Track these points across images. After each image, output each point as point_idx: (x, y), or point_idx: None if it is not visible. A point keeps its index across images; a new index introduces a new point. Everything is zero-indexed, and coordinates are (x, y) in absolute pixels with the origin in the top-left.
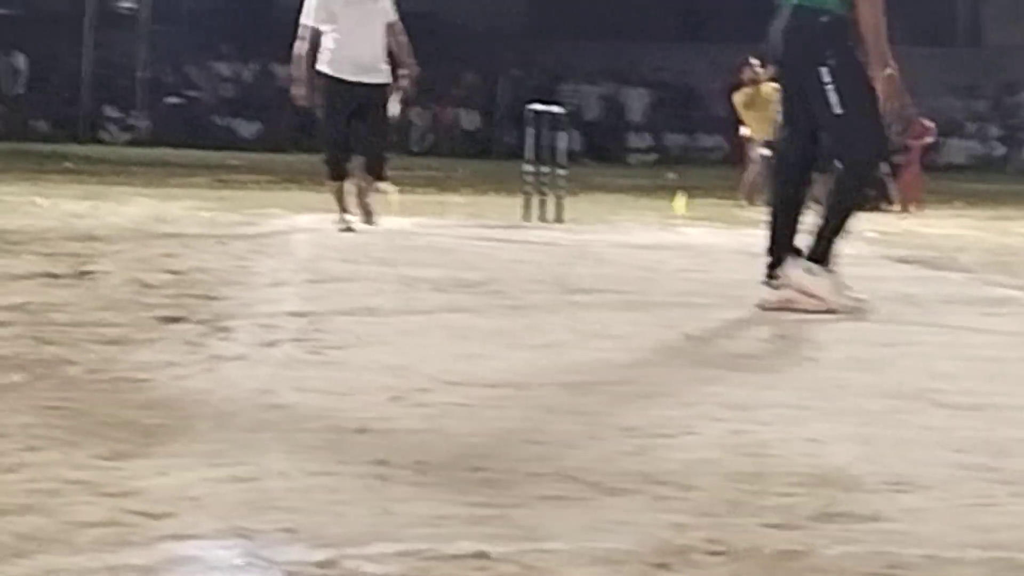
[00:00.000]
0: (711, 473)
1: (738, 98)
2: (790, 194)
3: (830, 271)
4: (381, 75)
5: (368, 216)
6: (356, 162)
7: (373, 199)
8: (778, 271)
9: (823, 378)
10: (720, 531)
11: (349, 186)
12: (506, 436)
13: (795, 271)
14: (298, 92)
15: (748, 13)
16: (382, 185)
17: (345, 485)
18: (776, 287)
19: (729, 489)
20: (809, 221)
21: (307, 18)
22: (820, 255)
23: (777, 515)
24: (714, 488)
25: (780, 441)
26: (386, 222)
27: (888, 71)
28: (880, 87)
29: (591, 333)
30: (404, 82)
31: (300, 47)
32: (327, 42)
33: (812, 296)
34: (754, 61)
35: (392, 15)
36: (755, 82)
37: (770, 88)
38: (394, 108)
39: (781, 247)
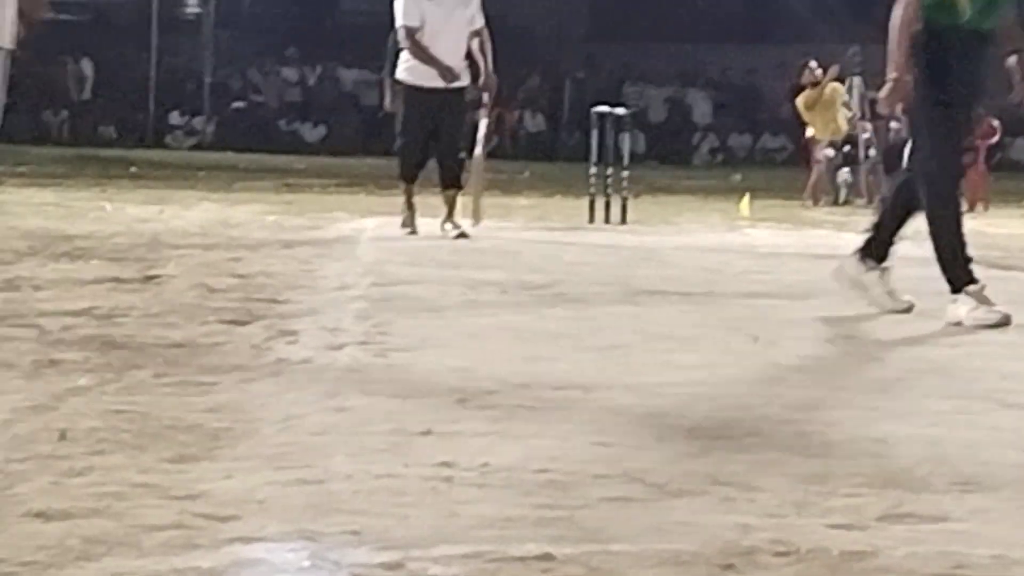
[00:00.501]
0: (777, 474)
1: (800, 100)
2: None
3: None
4: (462, 81)
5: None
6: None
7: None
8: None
9: (890, 379)
10: (786, 532)
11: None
12: (571, 438)
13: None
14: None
15: (812, 15)
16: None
17: (410, 487)
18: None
19: (795, 490)
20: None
21: (405, 19)
22: (955, 279)
23: (843, 516)
24: (780, 489)
25: (846, 442)
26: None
27: (894, 75)
28: (885, 89)
29: (656, 335)
30: (484, 93)
31: (411, 48)
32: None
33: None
34: (813, 64)
35: (480, 21)
36: (816, 84)
37: (832, 89)
38: (482, 120)
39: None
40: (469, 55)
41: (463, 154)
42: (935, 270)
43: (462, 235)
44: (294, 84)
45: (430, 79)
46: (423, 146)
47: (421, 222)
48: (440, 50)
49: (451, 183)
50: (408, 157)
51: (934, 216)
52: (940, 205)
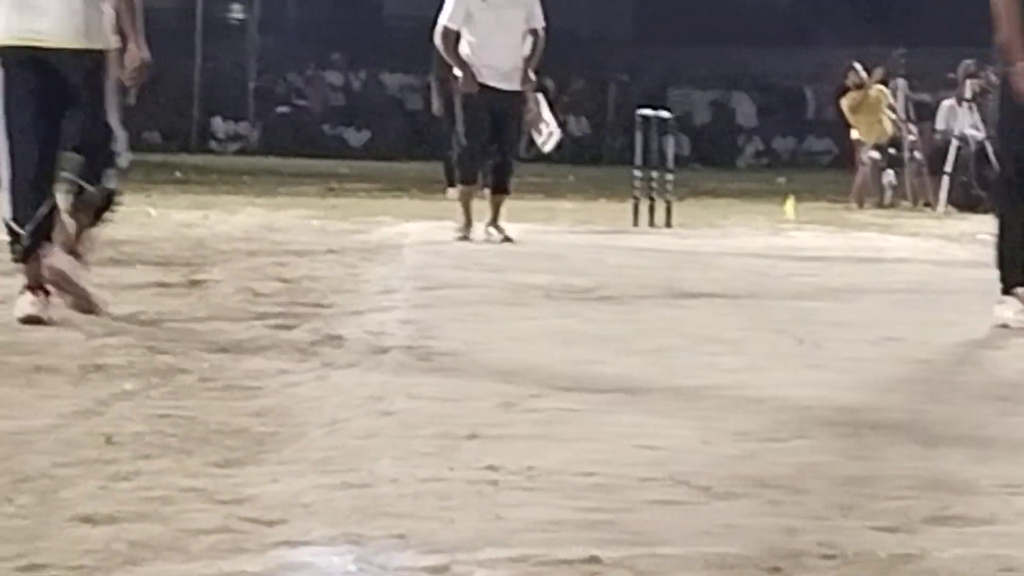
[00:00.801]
0: (823, 477)
1: (845, 102)
2: None
3: None
4: (518, 82)
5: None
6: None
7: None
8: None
9: (937, 380)
10: (832, 535)
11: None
12: (617, 441)
13: None
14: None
15: (855, 17)
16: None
17: (456, 491)
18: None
19: (841, 493)
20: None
21: (446, 19)
22: (1006, 280)
23: (890, 519)
24: (826, 492)
25: (893, 444)
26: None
27: (1019, 64)
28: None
29: (701, 337)
30: (523, 88)
31: (445, 50)
32: (463, 46)
33: None
34: (857, 65)
35: (536, 21)
36: (860, 86)
37: (877, 92)
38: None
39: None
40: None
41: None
42: (982, 272)
43: (507, 239)
44: (338, 89)
45: (489, 78)
46: (482, 148)
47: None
48: (490, 52)
49: (502, 188)
50: (468, 161)
51: (1004, 214)
52: (1011, 205)
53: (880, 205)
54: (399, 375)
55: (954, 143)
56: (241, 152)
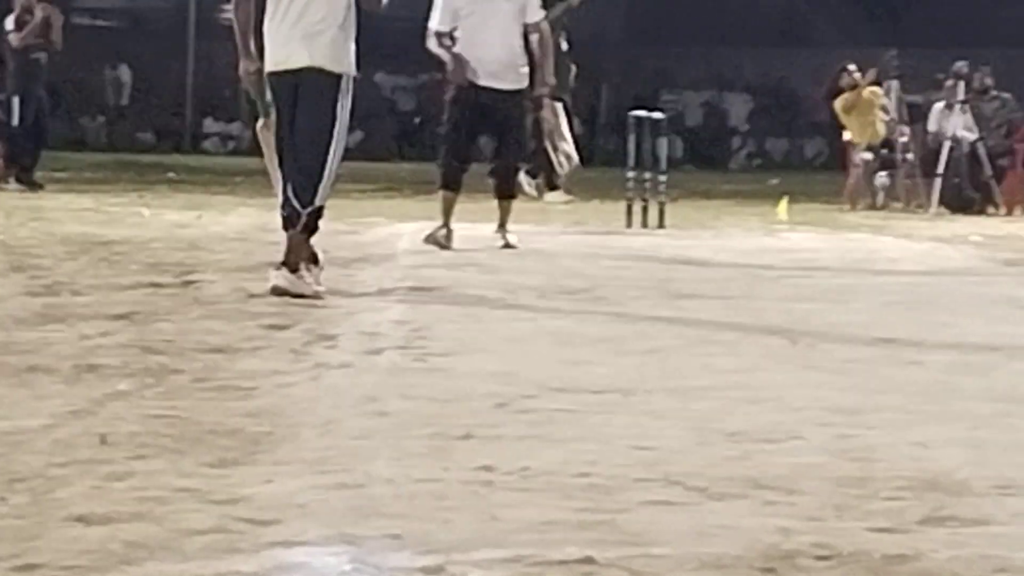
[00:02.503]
0: (818, 477)
1: (838, 103)
2: None
3: None
4: (513, 80)
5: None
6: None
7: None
8: None
9: (931, 382)
10: (827, 535)
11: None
12: (612, 441)
13: None
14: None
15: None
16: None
17: (451, 491)
18: None
19: (836, 493)
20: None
21: (435, 24)
22: None
23: (884, 519)
24: (821, 492)
25: (887, 445)
26: (490, 229)
27: None
28: None
29: (695, 338)
30: (538, 94)
31: (434, 51)
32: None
33: None
34: (852, 67)
35: (533, 14)
36: (854, 87)
37: (871, 92)
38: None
39: None
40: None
41: (521, 163)
42: (974, 273)
43: (508, 246)
44: None
45: (481, 76)
46: (466, 150)
47: (463, 227)
48: (478, 48)
49: (504, 192)
50: (449, 163)
51: None
52: None
53: (872, 207)
54: (393, 375)
55: (946, 145)
56: (234, 153)
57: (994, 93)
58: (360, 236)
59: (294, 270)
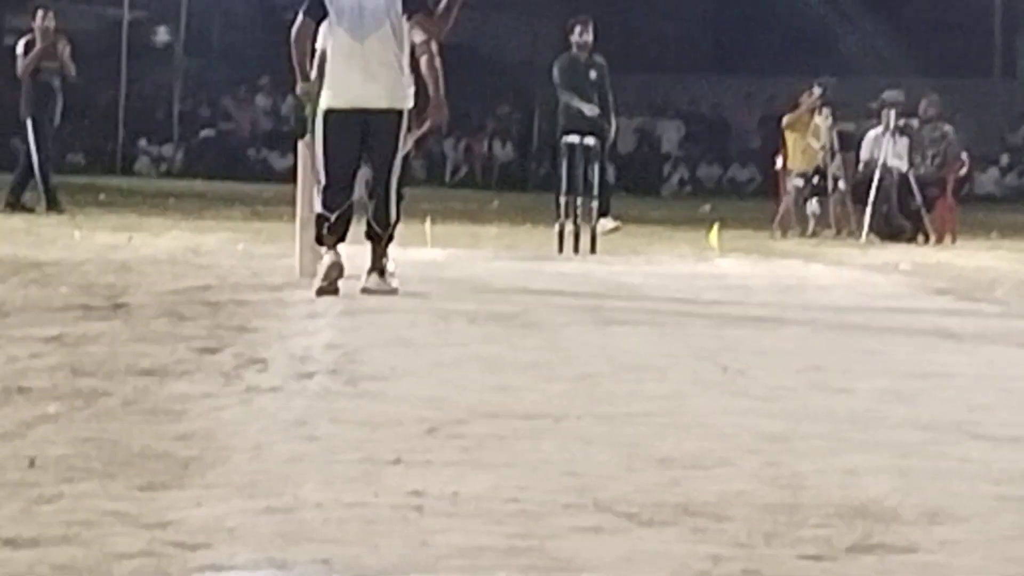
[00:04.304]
0: (747, 504)
1: (787, 118)
2: None
3: None
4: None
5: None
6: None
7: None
8: None
9: (859, 410)
10: (756, 563)
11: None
12: (542, 467)
13: None
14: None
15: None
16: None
17: (381, 516)
18: None
19: (765, 520)
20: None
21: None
22: None
23: (813, 547)
24: (750, 519)
25: (816, 472)
26: (421, 254)
27: None
28: None
29: (626, 364)
30: (428, 120)
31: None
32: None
33: None
34: (816, 89)
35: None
36: (798, 106)
37: (815, 119)
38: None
39: None
40: (416, 72)
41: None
42: (904, 301)
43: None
44: (268, 112)
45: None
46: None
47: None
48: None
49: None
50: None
51: None
52: None
53: (804, 234)
54: (324, 400)
55: (877, 173)
56: (166, 175)
57: (937, 124)
58: (292, 259)
59: (381, 274)
